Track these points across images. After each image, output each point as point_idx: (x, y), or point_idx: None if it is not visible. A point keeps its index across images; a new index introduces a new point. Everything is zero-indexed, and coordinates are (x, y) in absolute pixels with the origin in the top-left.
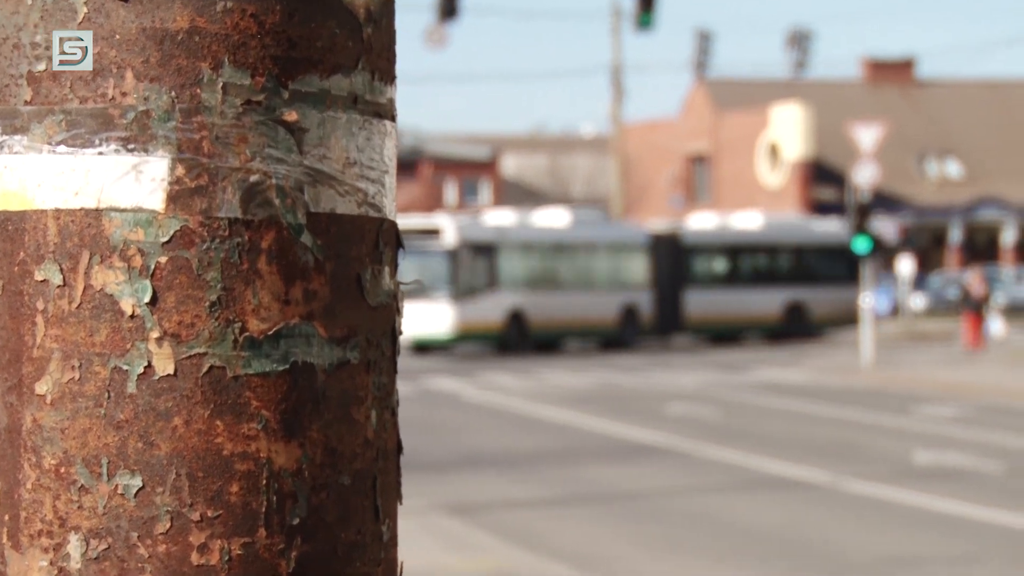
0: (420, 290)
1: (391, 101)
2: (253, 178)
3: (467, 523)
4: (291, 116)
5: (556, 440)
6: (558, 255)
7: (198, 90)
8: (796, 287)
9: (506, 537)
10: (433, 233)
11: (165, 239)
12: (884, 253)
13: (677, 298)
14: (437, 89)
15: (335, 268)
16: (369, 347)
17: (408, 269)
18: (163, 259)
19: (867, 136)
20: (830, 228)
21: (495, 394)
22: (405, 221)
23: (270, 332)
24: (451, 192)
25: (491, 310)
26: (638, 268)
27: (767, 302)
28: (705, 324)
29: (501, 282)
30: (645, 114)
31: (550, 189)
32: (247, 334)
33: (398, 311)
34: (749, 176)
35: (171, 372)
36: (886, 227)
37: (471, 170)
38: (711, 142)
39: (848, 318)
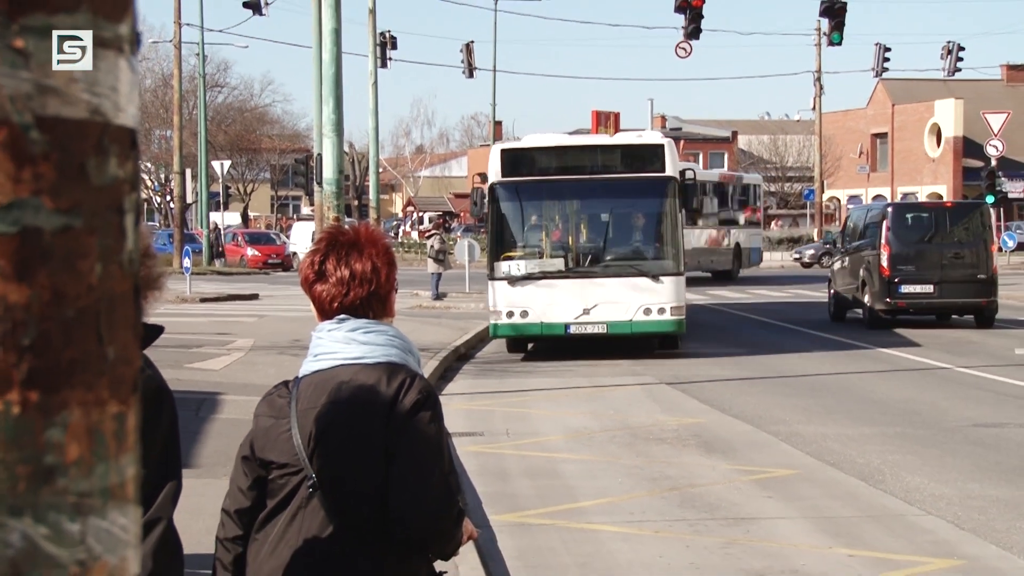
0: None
1: (119, 36)
2: None
3: (682, 393)
4: (19, 43)
5: (772, 337)
6: None
7: None
8: None
9: (708, 403)
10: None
11: None
12: (1012, 204)
13: None
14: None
15: (60, 157)
16: (94, 217)
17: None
18: None
19: (996, 121)
20: None
21: (721, 303)
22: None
23: (5, 203)
24: (700, 162)
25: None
26: None
27: None
28: None
29: None
30: (840, 105)
31: (770, 159)
32: None
33: (130, 191)
34: (918, 151)
35: None
36: (1015, 186)
37: (715, 145)
38: (889, 126)
39: None
